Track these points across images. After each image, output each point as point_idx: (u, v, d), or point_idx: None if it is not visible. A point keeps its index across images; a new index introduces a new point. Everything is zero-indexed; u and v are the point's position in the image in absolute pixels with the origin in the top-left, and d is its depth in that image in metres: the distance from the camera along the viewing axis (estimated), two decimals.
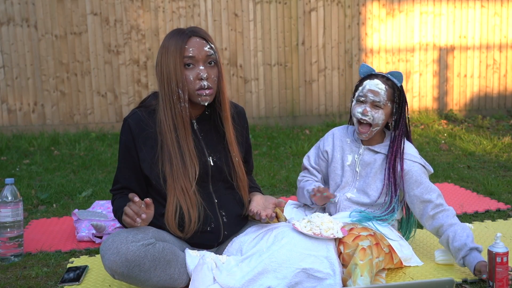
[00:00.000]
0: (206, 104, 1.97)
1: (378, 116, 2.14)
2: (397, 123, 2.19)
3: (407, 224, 2.35)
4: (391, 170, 2.17)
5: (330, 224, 1.95)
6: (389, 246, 2.07)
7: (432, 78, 6.30)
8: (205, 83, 1.92)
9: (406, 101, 2.22)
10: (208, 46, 1.94)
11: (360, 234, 1.98)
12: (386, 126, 2.31)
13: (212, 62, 1.96)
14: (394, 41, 6.18)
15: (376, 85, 2.13)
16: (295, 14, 6.02)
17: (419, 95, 6.31)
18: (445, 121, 6.01)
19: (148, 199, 1.84)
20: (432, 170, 2.23)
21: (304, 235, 1.91)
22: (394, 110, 2.17)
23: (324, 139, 2.36)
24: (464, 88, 6.37)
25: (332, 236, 1.92)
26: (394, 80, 2.18)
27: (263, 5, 5.97)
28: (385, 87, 2.14)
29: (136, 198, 1.79)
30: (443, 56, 6.28)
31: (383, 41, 6.17)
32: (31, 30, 5.69)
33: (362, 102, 2.17)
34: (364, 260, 1.86)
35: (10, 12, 5.65)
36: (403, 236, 2.29)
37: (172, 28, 5.70)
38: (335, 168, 2.28)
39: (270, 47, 6.02)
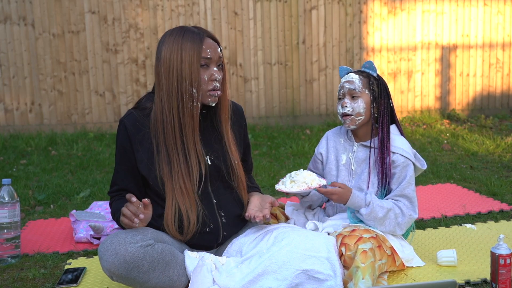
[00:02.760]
0: (213, 105, 1.97)
1: (358, 105, 2.17)
2: (375, 114, 2.20)
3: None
4: (377, 162, 2.15)
5: (312, 176, 2.03)
6: (391, 248, 2.06)
7: (434, 77, 6.27)
8: (217, 84, 1.94)
9: (387, 92, 2.22)
10: (220, 49, 1.97)
11: (362, 236, 1.96)
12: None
13: (221, 65, 1.98)
14: (395, 40, 6.15)
15: (349, 76, 2.21)
16: (295, 13, 5.99)
17: (421, 95, 6.28)
18: (447, 121, 5.98)
19: (146, 200, 1.83)
20: (424, 167, 2.20)
21: (304, 236, 1.89)
22: (372, 97, 2.18)
23: (319, 143, 2.39)
24: (467, 87, 6.33)
25: (318, 185, 2.00)
26: (369, 71, 2.23)
27: (263, 4, 5.93)
28: (359, 77, 2.20)
29: (134, 199, 1.78)
30: (446, 55, 6.25)
31: (384, 40, 6.13)
32: (28, 29, 5.65)
33: (341, 98, 2.22)
34: (365, 262, 1.85)
35: (7, 11, 5.61)
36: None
37: (171, 27, 5.67)
38: (330, 169, 2.29)
39: (270, 46, 5.99)
